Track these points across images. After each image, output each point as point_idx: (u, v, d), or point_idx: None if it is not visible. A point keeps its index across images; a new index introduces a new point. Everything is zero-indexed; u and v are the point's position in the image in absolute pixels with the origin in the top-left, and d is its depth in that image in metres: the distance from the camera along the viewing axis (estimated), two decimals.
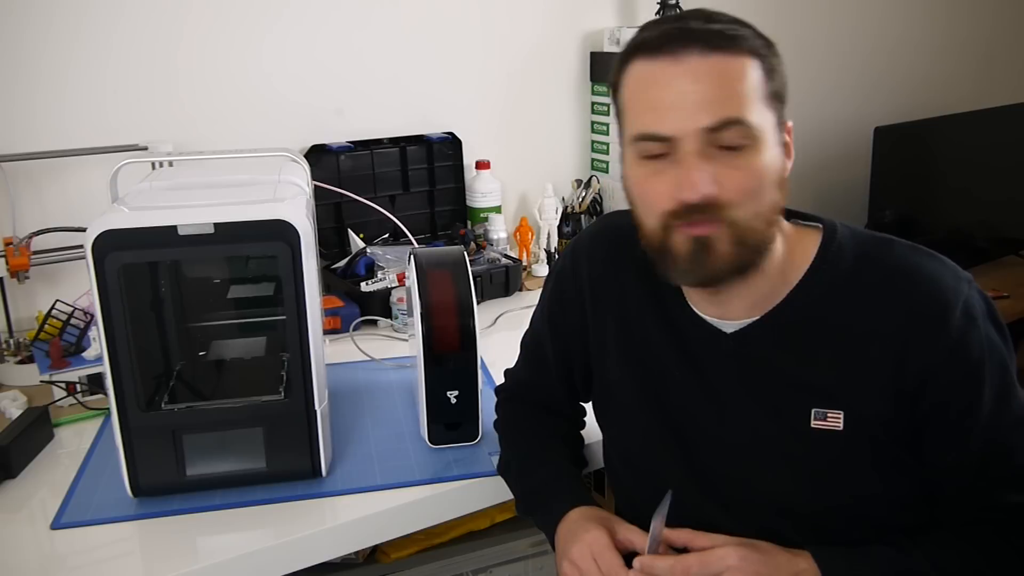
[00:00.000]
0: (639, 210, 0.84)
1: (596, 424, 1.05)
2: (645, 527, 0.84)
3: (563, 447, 1.04)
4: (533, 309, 1.08)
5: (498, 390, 1.15)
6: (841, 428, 0.83)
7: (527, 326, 1.10)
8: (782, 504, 0.86)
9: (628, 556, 0.85)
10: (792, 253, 0.86)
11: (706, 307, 0.89)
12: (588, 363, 1.01)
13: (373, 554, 1.31)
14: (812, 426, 0.83)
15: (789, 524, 0.85)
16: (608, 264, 0.97)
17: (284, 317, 0.97)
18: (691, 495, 0.89)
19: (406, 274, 1.38)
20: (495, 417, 1.12)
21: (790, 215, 0.89)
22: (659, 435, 0.92)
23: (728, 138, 0.76)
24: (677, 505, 0.83)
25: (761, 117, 0.78)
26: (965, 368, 0.80)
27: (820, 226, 0.89)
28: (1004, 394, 0.82)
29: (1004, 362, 0.82)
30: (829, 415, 0.83)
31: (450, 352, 1.07)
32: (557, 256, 1.09)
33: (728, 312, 0.87)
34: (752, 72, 0.77)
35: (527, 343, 1.10)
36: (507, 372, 1.15)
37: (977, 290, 0.83)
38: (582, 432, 1.11)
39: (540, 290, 1.07)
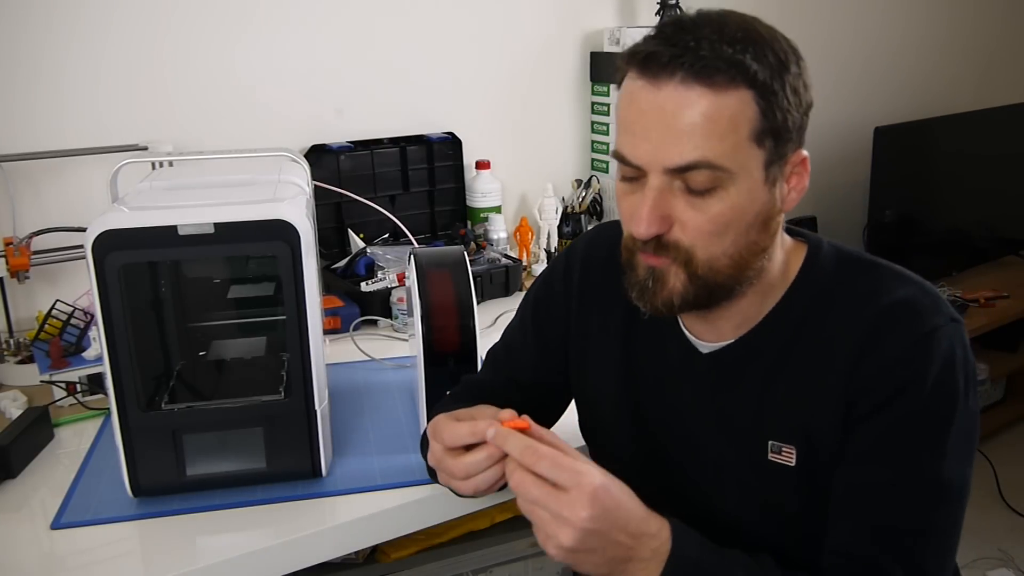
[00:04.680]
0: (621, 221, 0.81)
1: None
2: None
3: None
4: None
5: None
6: (793, 464, 0.80)
7: (498, 340, 1.05)
8: (741, 527, 0.84)
9: None
10: (782, 273, 0.82)
11: (693, 323, 0.86)
12: (566, 374, 0.98)
13: (373, 554, 1.31)
14: (769, 458, 0.81)
15: (746, 541, 0.82)
16: (601, 273, 0.94)
17: (284, 317, 0.97)
18: (662, 505, 0.85)
19: (406, 274, 1.38)
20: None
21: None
22: (634, 449, 0.91)
23: (695, 181, 0.72)
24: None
25: (741, 158, 0.72)
26: (909, 394, 0.74)
27: (806, 243, 0.84)
28: (928, 449, 0.75)
29: (950, 420, 0.75)
30: (784, 449, 0.80)
31: (450, 352, 1.07)
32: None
33: (713, 331, 0.85)
34: (741, 108, 0.71)
35: (495, 350, 1.05)
36: (462, 379, 1.06)
37: (961, 335, 0.77)
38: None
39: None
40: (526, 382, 0.99)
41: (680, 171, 0.72)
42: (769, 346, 0.82)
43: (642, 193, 0.74)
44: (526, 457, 0.71)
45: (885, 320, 0.76)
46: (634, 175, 0.75)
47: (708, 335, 0.85)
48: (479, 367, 1.09)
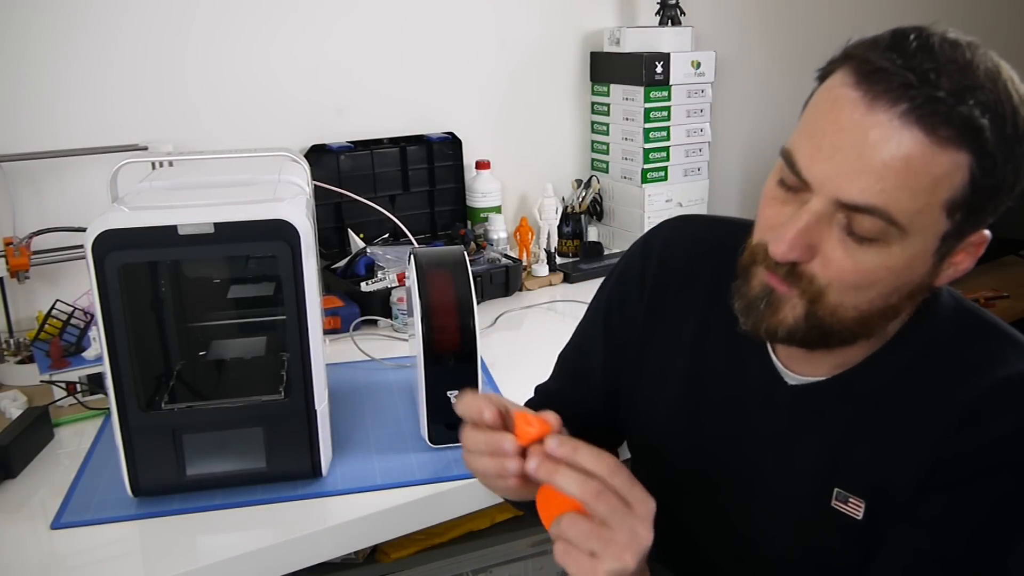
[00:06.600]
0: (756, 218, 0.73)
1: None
2: (666, 555, 0.80)
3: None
4: (573, 315, 1.01)
5: None
6: (860, 518, 0.74)
7: (568, 340, 1.00)
8: (781, 566, 0.81)
9: None
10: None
11: (784, 350, 0.79)
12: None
13: (373, 554, 1.31)
14: (832, 505, 0.76)
15: None
16: (678, 275, 0.87)
17: (284, 317, 0.97)
18: (701, 528, 0.85)
19: (406, 274, 1.38)
20: None
21: None
22: (685, 463, 0.86)
23: (860, 225, 0.63)
24: (685, 533, 0.79)
25: (923, 222, 0.63)
26: (1000, 478, 0.68)
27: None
28: (998, 540, 0.69)
29: None
30: (851, 500, 0.75)
31: (450, 352, 1.07)
32: (625, 252, 0.93)
33: (806, 364, 0.78)
34: (951, 173, 0.61)
35: (566, 354, 1.01)
36: (536, 389, 1.05)
37: None
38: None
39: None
40: (600, 390, 0.94)
41: (851, 208, 0.63)
42: (863, 390, 0.75)
43: (796, 209, 0.66)
44: (602, 466, 0.62)
45: (996, 395, 0.70)
46: (795, 186, 0.66)
47: (799, 366, 0.79)
48: (479, 367, 1.09)
